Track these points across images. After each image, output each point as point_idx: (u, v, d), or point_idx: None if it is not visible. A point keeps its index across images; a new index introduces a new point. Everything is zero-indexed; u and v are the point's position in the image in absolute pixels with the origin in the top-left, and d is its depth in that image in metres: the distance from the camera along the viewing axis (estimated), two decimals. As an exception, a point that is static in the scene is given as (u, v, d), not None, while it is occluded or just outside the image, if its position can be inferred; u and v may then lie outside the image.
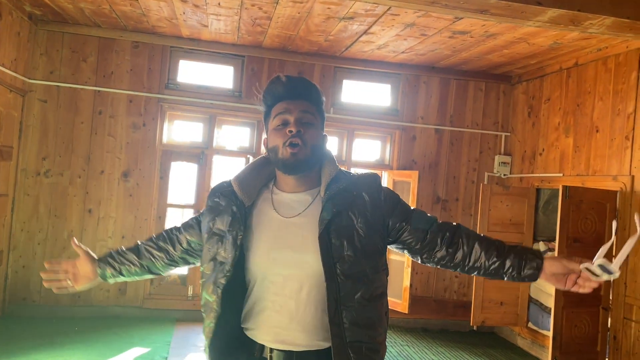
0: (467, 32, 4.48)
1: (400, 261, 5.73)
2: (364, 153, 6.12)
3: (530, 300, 5.45)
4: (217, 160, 5.67)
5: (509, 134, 6.09)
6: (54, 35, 5.23)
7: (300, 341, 1.45)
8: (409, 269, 5.59)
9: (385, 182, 6.03)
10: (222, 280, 1.48)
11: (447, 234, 1.56)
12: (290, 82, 1.53)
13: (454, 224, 1.62)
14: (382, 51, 5.35)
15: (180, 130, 5.72)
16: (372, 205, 1.51)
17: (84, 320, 5.10)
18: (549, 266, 1.49)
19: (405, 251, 1.60)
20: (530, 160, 5.68)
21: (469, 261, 1.55)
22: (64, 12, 4.84)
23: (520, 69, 5.70)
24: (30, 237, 5.19)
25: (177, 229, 1.77)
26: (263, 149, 1.85)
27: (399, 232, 1.56)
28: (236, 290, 1.52)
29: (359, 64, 5.79)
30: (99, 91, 5.32)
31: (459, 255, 1.55)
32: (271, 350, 1.47)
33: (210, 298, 1.51)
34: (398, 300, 5.72)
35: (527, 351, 5.38)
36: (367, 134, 6.06)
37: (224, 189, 1.61)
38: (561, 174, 5.13)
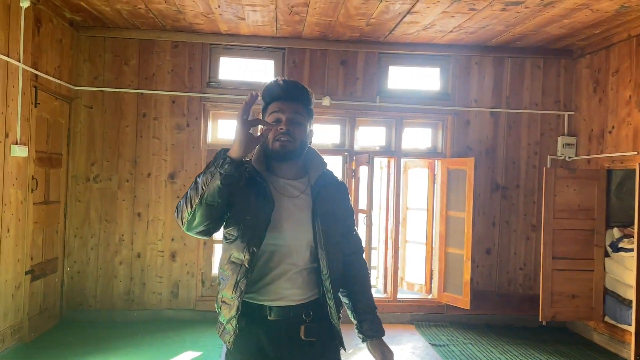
0: (522, 1, 4.10)
1: (458, 254, 5.40)
2: (415, 141, 5.82)
3: (606, 292, 4.99)
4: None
5: (572, 112, 5.62)
6: (96, 41, 5.25)
7: (295, 297, 1.76)
8: (469, 262, 5.25)
9: (439, 170, 5.71)
10: (256, 241, 1.69)
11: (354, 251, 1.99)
12: (286, 86, 1.80)
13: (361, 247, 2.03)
14: (428, 32, 5.03)
15: (224, 129, 5.62)
16: (342, 200, 1.93)
17: (139, 324, 5.09)
18: (372, 346, 1.88)
19: None
20: (598, 139, 5.21)
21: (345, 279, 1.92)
22: (102, 16, 4.83)
23: (583, 41, 5.23)
24: (83, 243, 5.23)
25: None
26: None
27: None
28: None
29: (405, 48, 5.49)
30: (142, 94, 5.30)
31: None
32: (270, 308, 1.73)
33: (241, 256, 1.70)
34: (458, 295, 5.39)
35: (605, 347, 4.92)
36: (417, 121, 5.76)
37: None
38: (635, 152, 4.64)
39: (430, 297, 5.83)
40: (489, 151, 5.58)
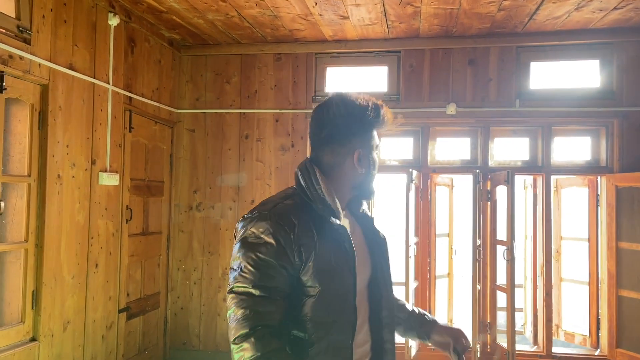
0: None
1: (637, 299, 4.08)
2: (569, 154, 4.64)
3: None
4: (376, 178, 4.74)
5: None
6: (197, 60, 4.94)
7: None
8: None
9: (604, 189, 4.45)
10: (350, 323, 1.33)
11: None
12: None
13: None
14: (581, 13, 3.93)
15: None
16: None
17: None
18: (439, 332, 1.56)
19: None
20: None
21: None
22: (199, 31, 4.48)
23: None
24: (186, 277, 4.86)
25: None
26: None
27: None
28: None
29: (550, 38, 4.40)
30: (244, 113, 4.86)
31: None
32: None
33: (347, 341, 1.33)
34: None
35: None
36: (570, 128, 4.58)
37: (299, 211, 1.39)
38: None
39: (597, 353, 4.51)
40: (674, 162, 4.23)
